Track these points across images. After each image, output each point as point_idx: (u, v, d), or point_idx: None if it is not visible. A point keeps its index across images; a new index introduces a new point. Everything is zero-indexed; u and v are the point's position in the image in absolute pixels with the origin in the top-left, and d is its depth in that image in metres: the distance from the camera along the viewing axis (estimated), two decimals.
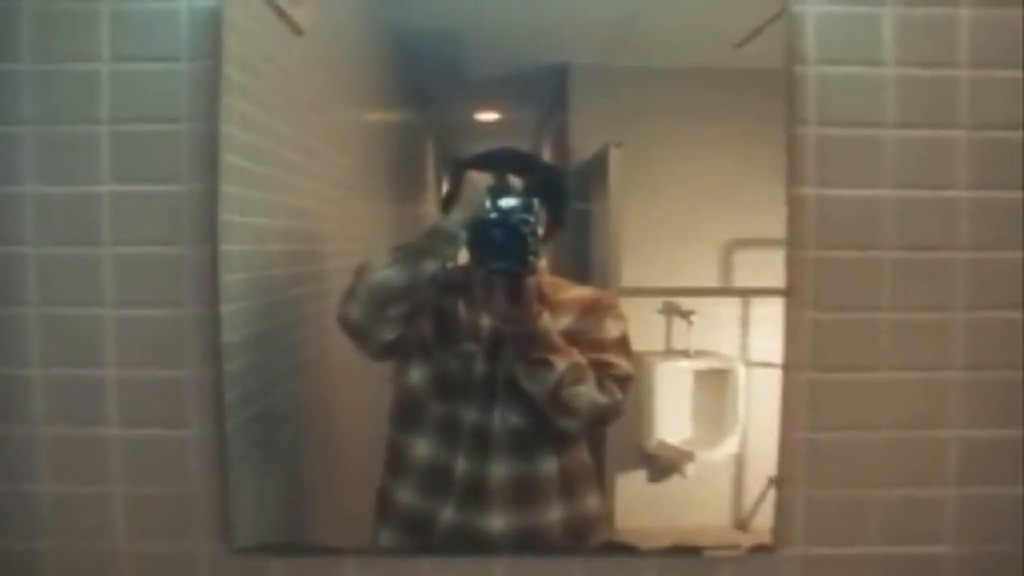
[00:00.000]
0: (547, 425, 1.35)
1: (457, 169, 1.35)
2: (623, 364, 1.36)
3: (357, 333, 1.34)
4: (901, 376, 1.40)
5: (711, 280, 1.44)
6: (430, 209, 1.45)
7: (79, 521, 1.39)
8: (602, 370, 1.34)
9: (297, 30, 1.39)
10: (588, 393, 1.32)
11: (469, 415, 1.37)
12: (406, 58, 1.42)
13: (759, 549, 1.40)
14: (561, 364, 1.31)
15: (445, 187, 1.41)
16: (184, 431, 1.38)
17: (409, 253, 1.31)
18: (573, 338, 1.34)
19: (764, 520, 1.41)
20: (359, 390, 1.48)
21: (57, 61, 1.36)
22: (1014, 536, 1.41)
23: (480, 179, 1.30)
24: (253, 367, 1.39)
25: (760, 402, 1.42)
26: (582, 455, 1.42)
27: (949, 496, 1.42)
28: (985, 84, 1.36)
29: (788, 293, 1.38)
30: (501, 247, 1.25)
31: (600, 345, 1.36)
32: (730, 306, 1.44)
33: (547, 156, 1.45)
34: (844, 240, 1.38)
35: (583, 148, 1.42)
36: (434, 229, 1.31)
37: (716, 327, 1.46)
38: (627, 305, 1.41)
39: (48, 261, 1.37)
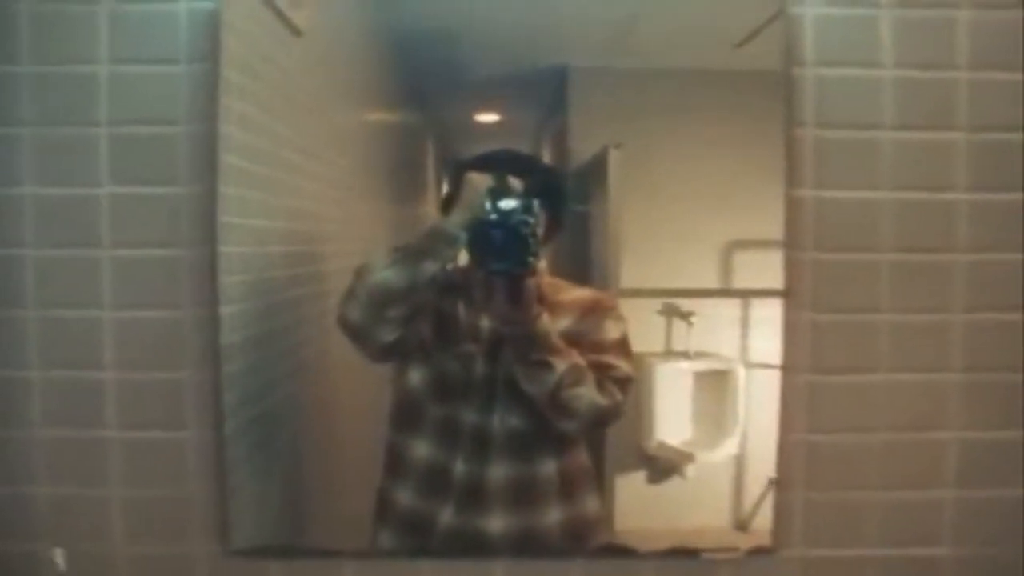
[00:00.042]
0: (546, 427, 1.35)
1: (457, 170, 1.35)
2: (623, 365, 1.36)
3: (357, 334, 1.34)
4: (900, 378, 1.40)
5: (711, 281, 1.45)
6: (430, 210, 1.45)
7: (78, 523, 1.39)
8: (602, 371, 1.34)
9: (296, 31, 1.39)
10: (588, 394, 1.32)
11: (468, 416, 1.37)
12: (406, 59, 1.42)
13: (758, 551, 1.40)
14: (561, 365, 1.31)
15: (445, 188, 1.41)
16: (183, 433, 1.38)
17: (409, 254, 1.31)
18: (573, 339, 1.34)
19: (764, 521, 1.41)
20: (358, 391, 1.49)
21: (56, 63, 1.36)
22: (1013, 538, 1.41)
23: (480, 180, 1.29)
24: (252, 369, 1.39)
25: (760, 403, 1.42)
26: (581, 457, 1.42)
27: (948, 498, 1.42)
28: (983, 86, 1.36)
29: (786, 295, 1.38)
30: (501, 248, 1.25)
31: (600, 346, 1.36)
32: (730, 307, 1.45)
33: (547, 157, 1.46)
34: (842, 242, 1.38)
35: (583, 149, 1.43)
36: (434, 230, 1.31)
37: (716, 328, 1.47)
38: (627, 306, 1.41)
39: (47, 263, 1.37)
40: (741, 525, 1.45)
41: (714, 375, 1.49)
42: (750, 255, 1.45)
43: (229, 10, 1.33)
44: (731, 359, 1.47)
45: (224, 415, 1.35)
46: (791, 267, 1.38)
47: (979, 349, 1.39)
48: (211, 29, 1.34)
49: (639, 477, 1.49)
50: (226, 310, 1.35)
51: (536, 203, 1.27)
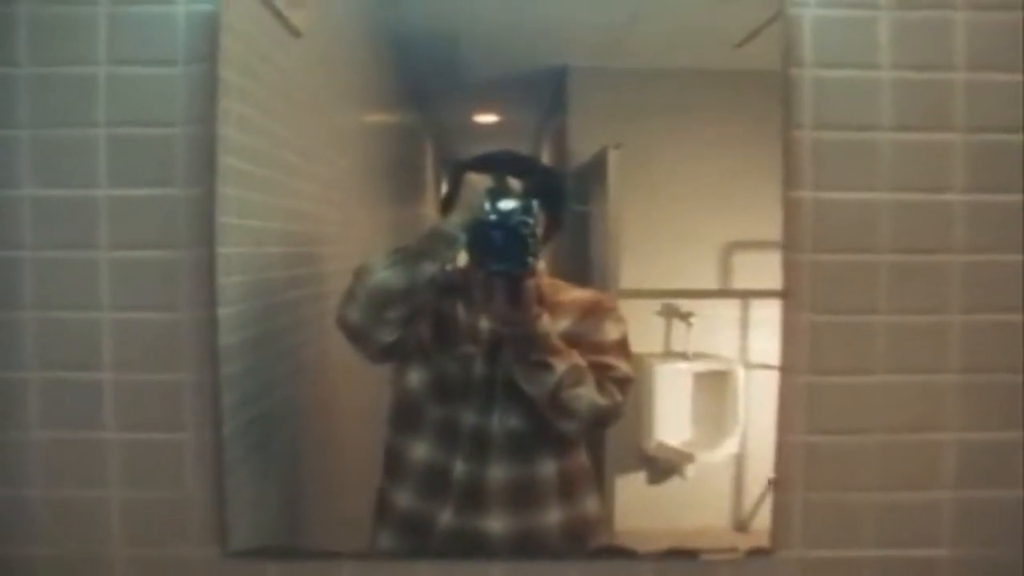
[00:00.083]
0: (546, 427, 1.35)
1: (456, 171, 1.35)
2: (622, 366, 1.36)
3: (356, 335, 1.34)
4: (897, 379, 1.40)
5: (710, 282, 1.45)
6: (429, 211, 1.45)
7: (75, 526, 1.38)
8: (602, 372, 1.34)
9: (295, 32, 1.39)
10: (588, 395, 1.32)
11: (468, 417, 1.37)
12: (405, 60, 1.42)
13: (756, 552, 1.40)
14: (560, 366, 1.31)
15: (444, 189, 1.41)
16: (181, 435, 1.38)
17: (408, 255, 1.31)
18: (572, 340, 1.35)
19: (764, 521, 1.41)
20: (358, 393, 1.48)
21: (54, 64, 1.35)
22: (1011, 539, 1.41)
23: (479, 181, 1.30)
24: (251, 370, 1.38)
25: (759, 403, 1.41)
26: (581, 457, 1.42)
27: (946, 499, 1.42)
28: (981, 87, 1.37)
29: (785, 296, 1.38)
30: (500, 249, 1.25)
31: (599, 347, 1.36)
32: (729, 308, 1.45)
33: (546, 158, 1.45)
34: (840, 243, 1.38)
35: (582, 150, 1.43)
36: (433, 231, 1.31)
37: (715, 329, 1.47)
38: (626, 307, 1.41)
39: (45, 264, 1.36)
40: (741, 526, 1.45)
41: (714, 376, 1.49)
42: (750, 255, 1.45)
43: (228, 11, 1.33)
44: (731, 360, 1.47)
45: (222, 416, 1.34)
46: (789, 268, 1.38)
47: (977, 350, 1.40)
48: (210, 30, 1.33)
49: (639, 478, 1.49)
50: (224, 311, 1.34)
51: (535, 204, 1.27)
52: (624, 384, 1.36)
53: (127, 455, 1.38)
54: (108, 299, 1.37)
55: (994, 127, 1.37)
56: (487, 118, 1.45)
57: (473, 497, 1.36)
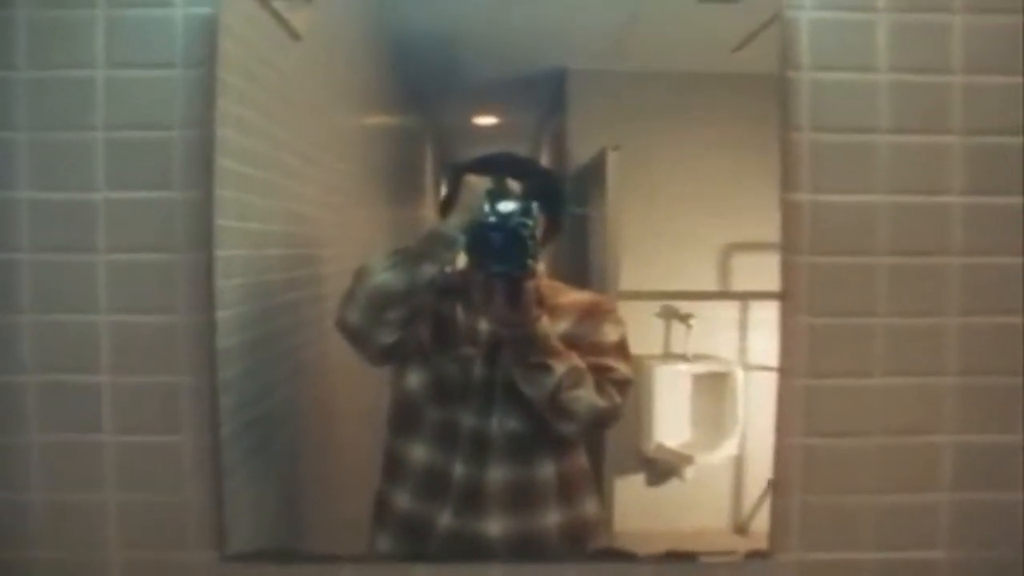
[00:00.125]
0: (545, 429, 1.35)
1: (455, 173, 1.35)
2: (622, 368, 1.36)
3: (355, 337, 1.34)
4: (895, 381, 1.40)
5: (709, 284, 1.44)
6: (428, 213, 1.45)
7: (72, 529, 1.38)
8: (601, 374, 1.34)
9: (294, 35, 1.39)
10: (587, 397, 1.32)
11: (467, 419, 1.37)
12: (404, 62, 1.42)
13: (755, 554, 1.40)
14: (560, 368, 1.31)
15: (443, 191, 1.41)
16: (179, 437, 1.37)
17: (408, 257, 1.31)
18: (572, 342, 1.35)
19: (763, 524, 1.41)
20: (357, 395, 1.48)
21: (52, 68, 1.35)
22: (1009, 542, 1.41)
23: (478, 183, 1.30)
24: (249, 372, 1.38)
25: (759, 405, 1.41)
26: (580, 459, 1.42)
27: (944, 501, 1.42)
28: (979, 90, 1.37)
29: (783, 298, 1.38)
30: (500, 251, 1.25)
31: (599, 349, 1.36)
32: (728, 309, 1.45)
33: (545, 160, 1.45)
34: (838, 245, 1.39)
35: (581, 152, 1.43)
36: (433, 233, 1.32)
37: (714, 330, 1.46)
38: (625, 309, 1.41)
39: (42, 267, 1.36)
40: (740, 528, 1.45)
41: (713, 377, 1.49)
42: (749, 257, 1.45)
43: (226, 14, 1.33)
44: (730, 361, 1.47)
45: (220, 419, 1.34)
46: (787, 271, 1.38)
47: (975, 352, 1.40)
48: (208, 33, 1.33)
49: (638, 479, 1.48)
50: (223, 314, 1.34)
51: (535, 205, 1.27)
52: (623, 386, 1.36)
53: (124, 458, 1.38)
54: (106, 302, 1.36)
55: (992, 129, 1.38)
56: (486, 120, 1.45)
57: (472, 499, 1.36)
